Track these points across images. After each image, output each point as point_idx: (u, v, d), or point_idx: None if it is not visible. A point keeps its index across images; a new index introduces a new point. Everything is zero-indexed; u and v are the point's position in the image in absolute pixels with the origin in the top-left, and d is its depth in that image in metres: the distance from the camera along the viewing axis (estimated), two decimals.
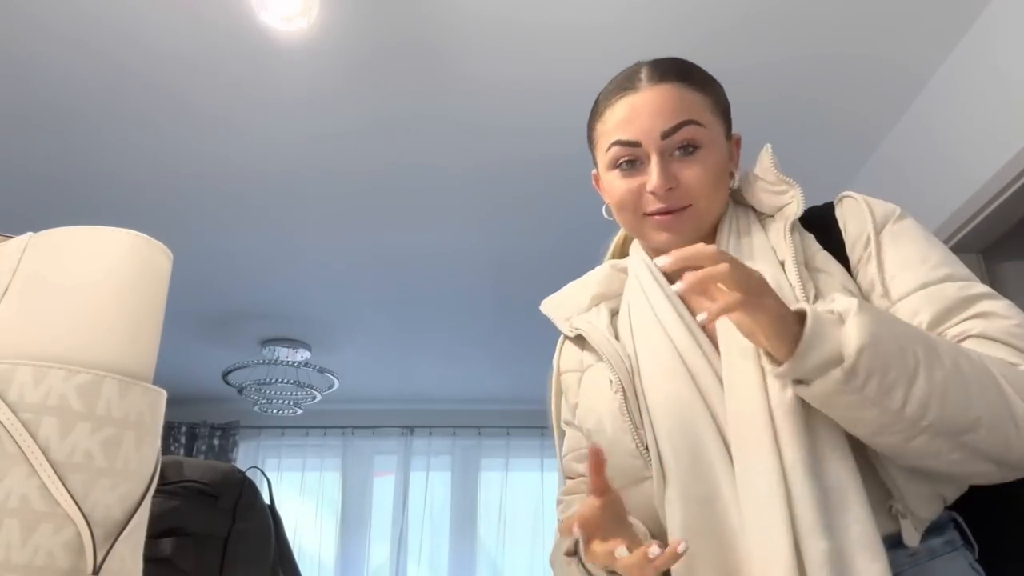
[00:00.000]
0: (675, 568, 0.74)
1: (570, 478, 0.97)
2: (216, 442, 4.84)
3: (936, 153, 2.11)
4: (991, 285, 2.26)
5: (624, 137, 0.86)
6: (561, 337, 0.99)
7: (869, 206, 0.84)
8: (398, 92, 2.21)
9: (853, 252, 0.83)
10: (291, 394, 4.12)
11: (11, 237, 0.61)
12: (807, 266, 0.82)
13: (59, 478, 0.49)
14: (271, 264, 3.24)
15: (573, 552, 0.81)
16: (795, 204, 0.85)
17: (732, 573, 0.72)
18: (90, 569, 0.49)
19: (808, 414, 0.72)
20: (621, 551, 0.67)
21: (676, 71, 0.88)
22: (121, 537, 0.52)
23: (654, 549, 0.65)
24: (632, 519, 0.79)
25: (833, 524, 0.68)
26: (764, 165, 0.91)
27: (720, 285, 0.66)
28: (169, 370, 4.28)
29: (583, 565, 0.79)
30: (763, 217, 0.90)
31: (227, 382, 4.04)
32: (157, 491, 0.74)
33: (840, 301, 0.68)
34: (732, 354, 0.77)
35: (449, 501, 4.85)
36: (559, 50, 2.06)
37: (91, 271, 0.56)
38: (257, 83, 2.17)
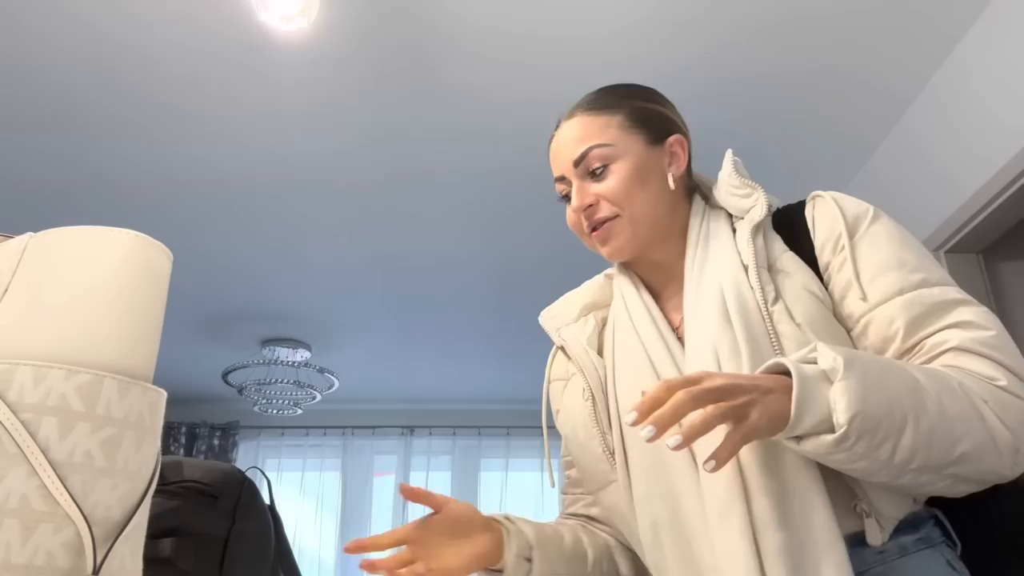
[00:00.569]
0: (648, 557, 0.82)
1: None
2: (216, 442, 4.84)
3: (936, 153, 2.11)
4: (991, 285, 2.24)
5: (556, 174, 0.97)
6: (554, 347, 1.03)
7: (840, 206, 0.84)
8: (398, 92, 2.21)
9: (823, 253, 0.84)
10: (291, 394, 4.12)
11: (11, 237, 0.61)
12: (770, 268, 0.84)
13: (59, 478, 0.49)
14: (271, 264, 3.24)
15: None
16: (758, 207, 0.87)
17: (696, 563, 0.76)
18: (90, 569, 0.49)
19: None
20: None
21: (584, 102, 0.97)
22: (121, 537, 0.52)
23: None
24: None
25: (791, 517, 0.71)
26: (727, 170, 0.94)
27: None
28: (169, 370, 4.29)
29: None
30: (735, 218, 0.92)
31: (227, 382, 4.04)
32: (157, 491, 0.74)
33: (824, 354, 0.68)
34: (695, 358, 0.81)
35: None
36: (560, 60, 2.06)
37: (91, 271, 0.56)
38: (257, 83, 2.17)
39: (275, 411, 4.24)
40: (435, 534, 0.87)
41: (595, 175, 0.92)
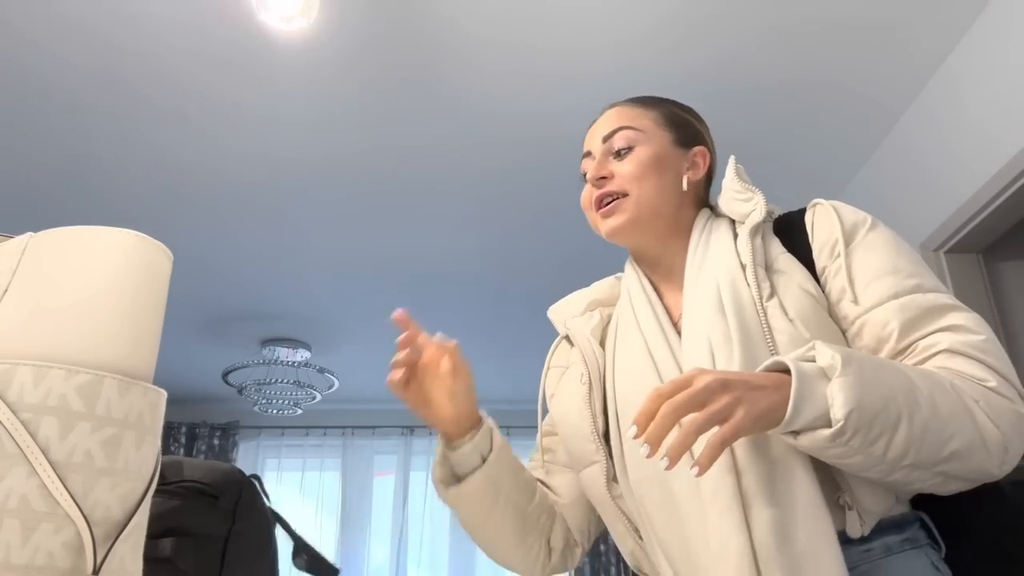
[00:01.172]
0: (645, 538, 0.86)
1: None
2: (216, 442, 4.84)
3: (937, 152, 2.11)
4: (991, 285, 2.24)
5: (584, 151, 1.03)
6: (558, 337, 1.09)
7: (838, 213, 0.88)
8: (398, 93, 2.21)
9: (820, 258, 0.87)
10: (291, 394, 4.12)
11: (11, 237, 0.61)
12: (768, 267, 0.88)
13: (59, 478, 0.49)
14: (271, 264, 3.24)
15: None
16: (757, 211, 0.91)
17: (686, 540, 0.79)
18: (90, 569, 0.49)
19: None
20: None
21: (627, 99, 1.04)
22: (121, 537, 0.52)
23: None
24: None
25: (778, 493, 0.73)
26: (729, 176, 0.99)
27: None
28: (169, 370, 4.29)
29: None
30: (737, 225, 0.96)
31: (227, 382, 4.04)
32: (157, 491, 0.74)
33: (822, 352, 0.71)
34: (689, 347, 0.85)
35: None
36: (561, 69, 2.06)
37: (91, 271, 0.56)
38: (257, 83, 2.17)
39: (275, 411, 4.24)
40: (438, 373, 0.97)
41: (618, 155, 0.98)
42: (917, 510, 0.82)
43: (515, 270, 3.28)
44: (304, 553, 0.94)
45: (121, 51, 2.04)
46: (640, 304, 0.96)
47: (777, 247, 0.90)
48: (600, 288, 1.08)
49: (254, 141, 2.43)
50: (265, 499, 0.97)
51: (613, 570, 4.55)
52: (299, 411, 4.30)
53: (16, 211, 2.73)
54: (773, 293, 0.84)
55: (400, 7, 1.91)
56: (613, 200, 0.96)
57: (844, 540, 0.75)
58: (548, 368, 1.06)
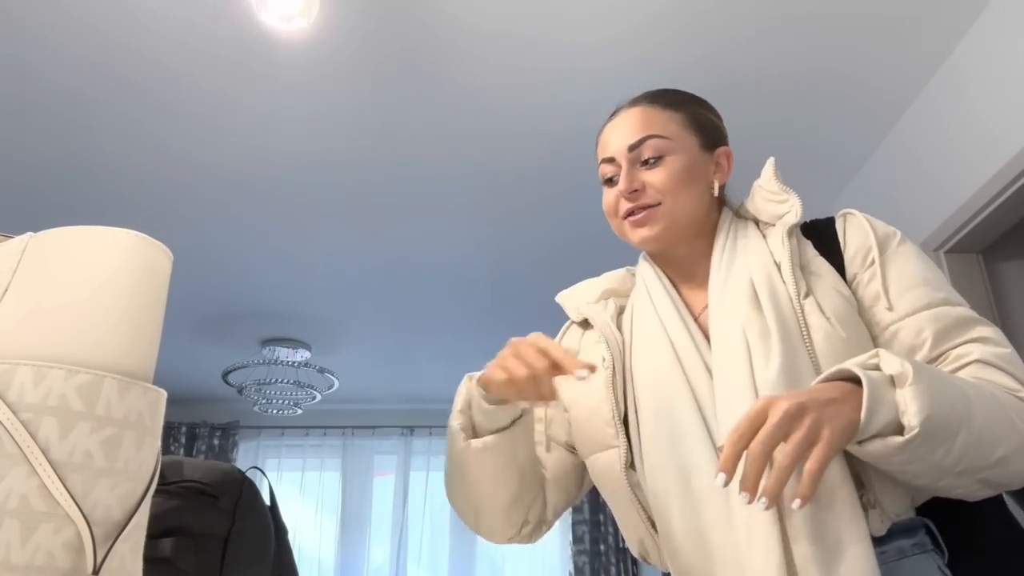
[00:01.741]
0: (660, 527, 0.85)
1: None
2: (216, 442, 4.84)
3: (937, 153, 2.11)
4: (991, 285, 2.24)
5: (604, 155, 1.00)
6: (567, 322, 1.09)
7: (871, 225, 0.91)
8: (398, 93, 2.21)
9: (852, 264, 0.90)
10: (291, 394, 4.12)
11: (11, 237, 0.61)
12: (802, 268, 0.89)
13: (59, 478, 0.49)
14: (271, 264, 3.24)
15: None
16: (793, 212, 0.93)
17: (704, 531, 0.80)
18: (90, 569, 0.49)
19: (790, 391, 0.76)
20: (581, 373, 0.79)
21: (647, 96, 1.01)
22: (121, 537, 0.52)
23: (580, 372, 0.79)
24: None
25: (816, 494, 0.73)
26: (767, 175, 1.00)
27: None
28: (169, 370, 4.29)
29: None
30: (764, 226, 0.98)
31: (227, 382, 4.04)
32: (157, 491, 0.74)
33: (888, 360, 0.71)
34: (721, 346, 0.86)
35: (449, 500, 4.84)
36: (559, 63, 2.06)
37: (91, 271, 0.56)
38: (256, 83, 2.17)
39: (275, 411, 4.24)
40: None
41: (646, 164, 0.96)
42: (922, 516, 0.83)
43: (516, 269, 3.29)
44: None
45: (121, 50, 2.03)
46: (660, 297, 0.96)
47: (810, 249, 0.92)
48: (613, 278, 1.08)
49: (254, 141, 2.43)
50: (270, 499, 0.97)
51: (613, 570, 4.55)
52: (299, 411, 4.30)
53: (16, 211, 2.73)
54: (809, 292, 0.86)
55: (400, 8, 1.91)
56: (645, 210, 0.95)
57: None
58: None
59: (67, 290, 0.55)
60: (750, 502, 0.66)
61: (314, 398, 4.16)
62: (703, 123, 1.00)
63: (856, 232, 0.91)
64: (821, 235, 0.94)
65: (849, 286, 0.88)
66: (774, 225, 0.95)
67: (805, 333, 0.82)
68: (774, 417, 0.66)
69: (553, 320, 1.11)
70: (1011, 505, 0.84)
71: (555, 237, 2.98)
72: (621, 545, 4.59)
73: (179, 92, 2.20)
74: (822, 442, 0.66)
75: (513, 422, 0.93)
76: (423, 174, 2.62)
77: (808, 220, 0.97)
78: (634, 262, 1.09)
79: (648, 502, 0.87)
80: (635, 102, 1.01)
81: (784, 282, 0.87)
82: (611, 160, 0.98)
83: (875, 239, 0.89)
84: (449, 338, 4.03)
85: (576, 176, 2.47)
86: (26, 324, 0.54)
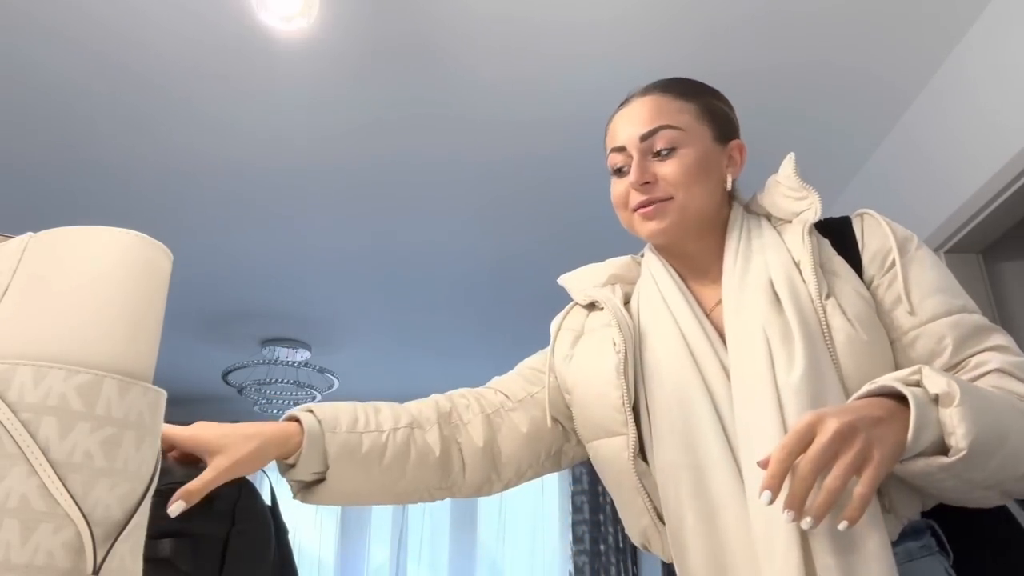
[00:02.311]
0: (668, 524, 0.84)
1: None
2: None
3: (936, 153, 2.11)
4: (991, 285, 2.24)
5: (615, 144, 0.97)
6: (570, 304, 1.08)
7: (891, 227, 0.90)
8: (398, 91, 2.21)
9: (871, 265, 0.88)
10: (291, 394, 4.12)
11: (11, 237, 0.61)
12: (822, 268, 0.88)
13: (59, 478, 0.49)
14: (271, 264, 3.24)
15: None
16: (813, 210, 0.91)
17: (717, 534, 0.79)
18: (90, 569, 0.49)
19: (814, 397, 0.76)
20: None
21: (660, 85, 0.98)
22: (121, 537, 0.52)
23: None
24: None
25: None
26: (786, 171, 0.97)
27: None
28: (169, 370, 4.29)
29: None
30: (778, 222, 0.96)
31: (227, 382, 4.04)
32: (156, 492, 0.74)
33: (933, 378, 0.70)
34: (740, 346, 0.84)
35: (449, 501, 4.85)
36: (558, 47, 2.06)
37: (91, 271, 0.56)
38: (257, 83, 2.17)
39: (275, 411, 4.24)
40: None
41: (659, 155, 0.93)
42: (927, 519, 0.83)
43: (516, 270, 3.29)
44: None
45: (120, 48, 2.03)
46: (670, 291, 0.94)
47: (828, 248, 0.90)
48: (618, 264, 1.06)
49: (253, 141, 2.43)
50: (270, 497, 0.96)
51: (613, 570, 4.55)
52: None
53: (16, 211, 2.73)
54: (831, 292, 0.84)
55: (399, 6, 1.91)
56: (655, 203, 0.93)
57: None
58: (559, 330, 1.05)
59: (67, 290, 0.55)
60: (795, 520, 0.65)
61: (314, 398, 4.16)
62: (717, 114, 0.98)
63: (875, 233, 0.90)
64: (838, 234, 0.92)
65: (867, 288, 0.87)
66: (790, 222, 0.94)
67: (827, 335, 0.81)
68: (824, 436, 0.65)
69: (554, 314, 1.10)
70: (1011, 505, 0.84)
71: (556, 232, 2.98)
72: (621, 545, 4.59)
73: (179, 94, 2.20)
74: (872, 465, 0.65)
75: (320, 473, 0.90)
76: (423, 173, 2.62)
77: (822, 218, 0.95)
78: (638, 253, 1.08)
79: (657, 492, 0.86)
80: (647, 90, 0.98)
81: (804, 282, 0.85)
82: (621, 149, 0.95)
83: (895, 242, 0.87)
84: (450, 337, 4.04)
85: (580, 167, 2.48)
86: (26, 324, 0.54)
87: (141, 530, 0.56)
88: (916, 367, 0.72)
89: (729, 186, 0.97)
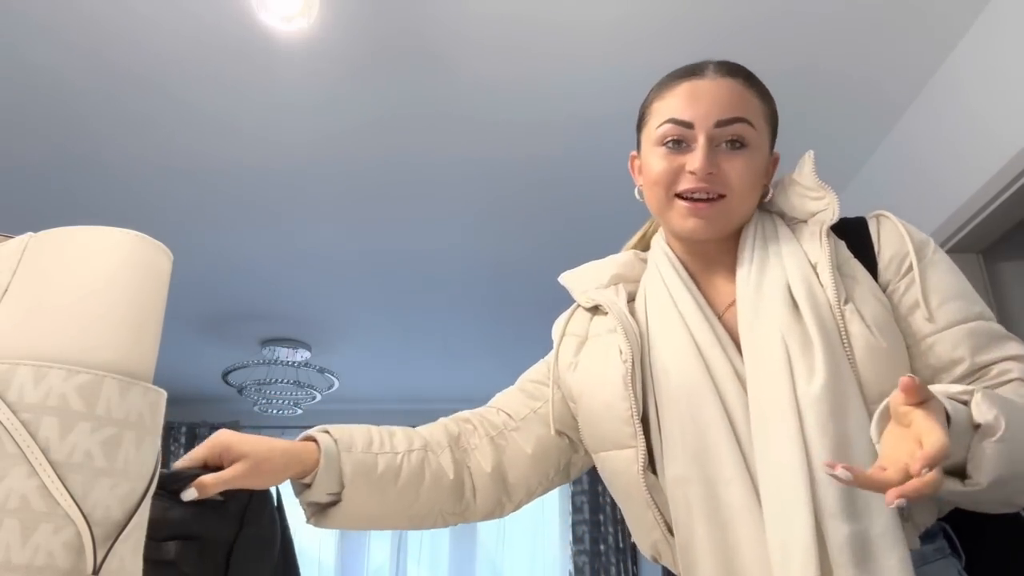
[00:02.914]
0: (678, 538, 0.81)
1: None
2: None
3: (937, 152, 2.11)
4: (991, 285, 2.23)
5: (680, 117, 0.88)
6: (573, 306, 1.03)
7: (907, 230, 0.87)
8: (397, 91, 2.21)
9: (888, 269, 0.86)
10: (291, 394, 4.12)
11: (11, 237, 0.61)
12: (839, 271, 0.85)
13: (59, 478, 0.49)
14: (271, 264, 3.24)
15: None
16: (830, 210, 0.88)
17: (729, 547, 0.77)
18: (90, 569, 0.49)
19: (835, 408, 0.75)
20: None
21: (744, 73, 0.92)
22: (121, 537, 0.52)
23: None
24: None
25: (858, 510, 0.71)
26: (806, 170, 0.94)
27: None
28: (169, 370, 4.29)
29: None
30: (793, 222, 0.93)
31: (227, 382, 4.04)
32: (165, 495, 0.74)
33: (983, 408, 0.66)
34: (758, 355, 0.81)
35: None
36: (559, 48, 2.06)
37: (91, 271, 0.56)
38: (257, 83, 2.17)
39: (275, 411, 4.24)
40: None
41: (732, 147, 0.87)
42: (940, 521, 0.83)
43: (516, 270, 3.28)
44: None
45: (120, 48, 2.03)
46: (679, 291, 0.90)
47: (845, 251, 0.87)
48: (620, 262, 1.02)
49: (253, 141, 2.43)
50: (276, 492, 0.96)
51: (613, 570, 4.55)
52: (299, 411, 4.30)
53: (16, 211, 2.73)
54: (849, 297, 0.82)
55: (399, 7, 1.91)
56: (708, 199, 0.87)
57: None
58: (563, 335, 1.01)
59: (67, 290, 0.55)
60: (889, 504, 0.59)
61: (314, 398, 4.16)
62: (775, 121, 0.94)
63: (891, 236, 0.87)
64: (854, 236, 0.89)
65: (885, 292, 0.85)
66: (805, 222, 0.90)
67: (846, 341, 0.78)
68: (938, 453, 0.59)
69: (555, 313, 1.08)
70: None
71: (557, 232, 2.97)
72: (621, 545, 4.59)
73: (177, 93, 2.20)
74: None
75: (335, 495, 0.89)
76: (423, 173, 2.62)
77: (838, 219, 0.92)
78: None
79: (667, 506, 0.83)
80: (730, 71, 0.90)
81: (822, 286, 0.82)
82: (688, 125, 0.87)
83: (912, 246, 0.85)
84: (449, 336, 4.03)
85: (580, 167, 2.47)
86: (26, 324, 0.54)
87: (141, 530, 0.56)
88: (970, 387, 0.69)
89: (769, 196, 0.94)
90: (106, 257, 0.57)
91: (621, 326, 0.90)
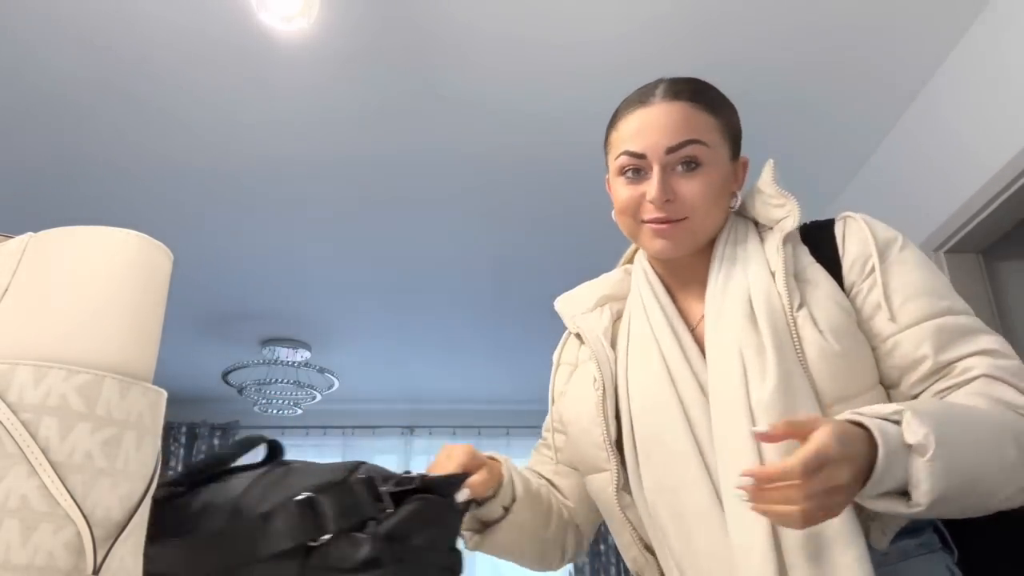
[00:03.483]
0: (658, 551, 0.86)
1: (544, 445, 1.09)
2: (216, 442, 4.84)
3: (938, 152, 2.11)
4: (991, 285, 2.24)
5: (632, 148, 0.90)
6: (567, 332, 1.07)
7: (871, 229, 0.87)
8: (397, 92, 2.21)
9: (851, 271, 0.86)
10: (291, 394, 4.12)
11: (11, 237, 0.61)
12: (797, 276, 0.86)
13: (59, 478, 0.49)
14: (271, 264, 3.24)
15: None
16: (791, 218, 0.89)
17: (696, 553, 0.80)
18: (90, 569, 0.49)
19: (785, 411, 0.76)
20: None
21: (689, 91, 0.92)
22: (121, 537, 0.52)
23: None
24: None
25: None
26: (765, 179, 0.95)
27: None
28: (169, 370, 4.29)
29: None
30: (763, 229, 0.94)
31: (227, 382, 4.04)
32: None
33: (913, 427, 0.66)
34: (717, 364, 0.83)
35: None
36: (559, 47, 2.06)
37: (91, 271, 0.56)
38: (257, 83, 2.17)
39: (275, 411, 4.24)
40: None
41: (687, 170, 0.88)
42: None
43: (516, 270, 3.28)
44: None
45: (121, 49, 2.04)
46: (654, 311, 0.92)
47: (806, 256, 0.88)
48: (609, 282, 1.04)
49: (254, 141, 2.43)
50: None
51: (613, 570, 4.55)
52: (299, 411, 4.30)
53: (16, 211, 2.73)
54: (803, 303, 0.83)
55: (399, 7, 1.91)
56: (670, 222, 0.89)
57: None
58: (558, 365, 1.04)
59: (67, 290, 0.55)
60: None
61: (314, 398, 4.16)
62: (735, 132, 0.95)
63: (855, 238, 0.87)
64: (819, 241, 0.90)
65: (848, 295, 0.85)
66: (772, 229, 0.91)
67: (798, 347, 0.79)
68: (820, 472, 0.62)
69: (553, 316, 1.08)
70: None
71: (556, 233, 2.98)
72: None
73: (178, 93, 2.20)
74: (827, 511, 0.64)
75: (507, 509, 0.92)
76: (423, 173, 2.62)
77: (808, 222, 0.93)
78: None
79: (642, 523, 0.87)
80: (674, 94, 0.90)
81: (779, 293, 0.84)
82: (640, 156, 0.89)
83: (875, 246, 0.85)
84: (450, 338, 4.03)
85: (581, 164, 2.47)
86: (26, 324, 0.54)
87: (141, 530, 0.56)
88: (902, 407, 0.69)
89: (736, 205, 0.95)
90: (106, 257, 0.57)
91: (594, 354, 0.94)
